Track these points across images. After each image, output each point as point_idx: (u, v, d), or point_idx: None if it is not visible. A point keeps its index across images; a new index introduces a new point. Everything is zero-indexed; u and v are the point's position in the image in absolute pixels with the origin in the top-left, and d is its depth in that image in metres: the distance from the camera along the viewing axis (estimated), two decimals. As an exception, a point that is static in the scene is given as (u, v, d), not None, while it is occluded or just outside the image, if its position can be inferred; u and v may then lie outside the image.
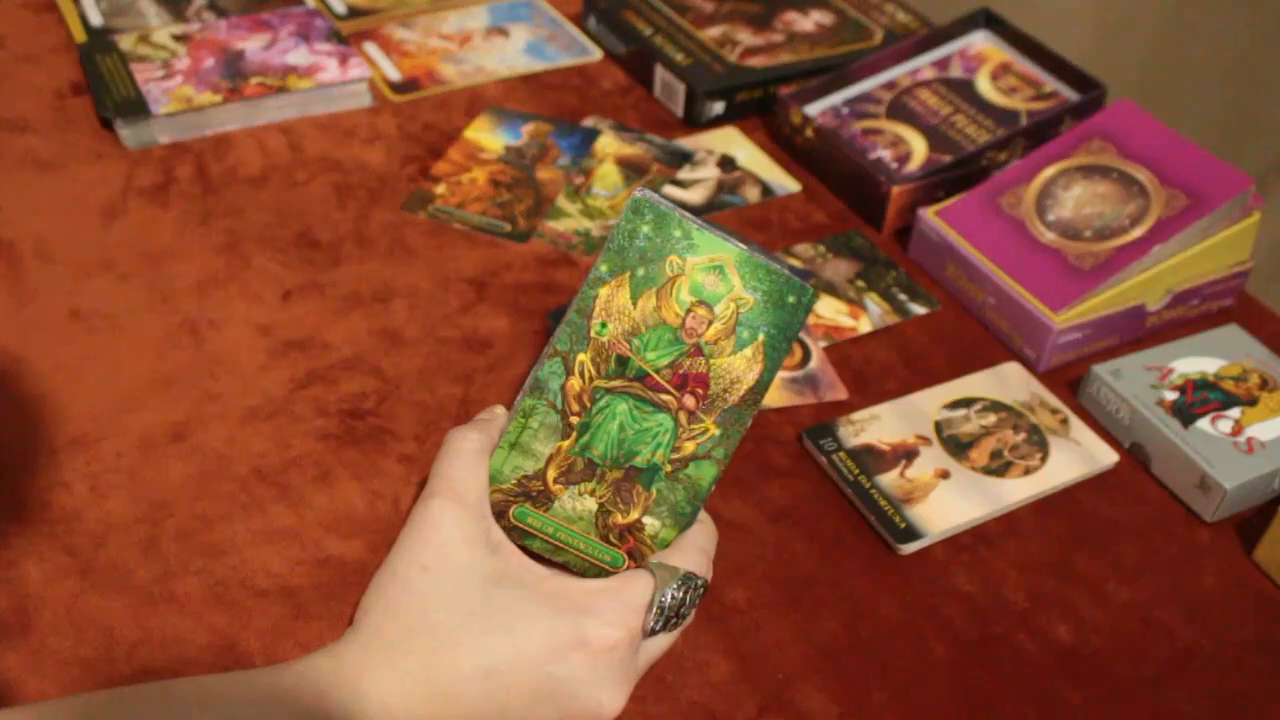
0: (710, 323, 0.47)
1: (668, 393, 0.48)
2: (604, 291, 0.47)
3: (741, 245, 0.47)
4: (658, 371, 0.47)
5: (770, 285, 0.47)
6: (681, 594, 0.46)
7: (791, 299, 0.47)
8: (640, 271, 0.47)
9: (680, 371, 0.48)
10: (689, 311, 0.47)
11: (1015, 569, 0.58)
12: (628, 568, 0.48)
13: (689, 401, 0.48)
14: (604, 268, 0.47)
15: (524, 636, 0.43)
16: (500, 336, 0.68)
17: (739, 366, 0.48)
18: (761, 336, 0.48)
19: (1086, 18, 1.43)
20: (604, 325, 0.47)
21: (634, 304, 0.47)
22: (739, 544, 0.57)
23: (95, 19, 0.90)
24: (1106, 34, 1.44)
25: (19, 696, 0.48)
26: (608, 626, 0.44)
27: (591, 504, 0.48)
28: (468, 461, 0.47)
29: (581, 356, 0.47)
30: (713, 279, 0.47)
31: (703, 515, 0.49)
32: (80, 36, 0.88)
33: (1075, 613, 0.56)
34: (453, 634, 0.43)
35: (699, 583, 0.47)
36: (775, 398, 0.65)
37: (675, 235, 0.47)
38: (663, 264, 0.47)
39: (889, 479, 0.60)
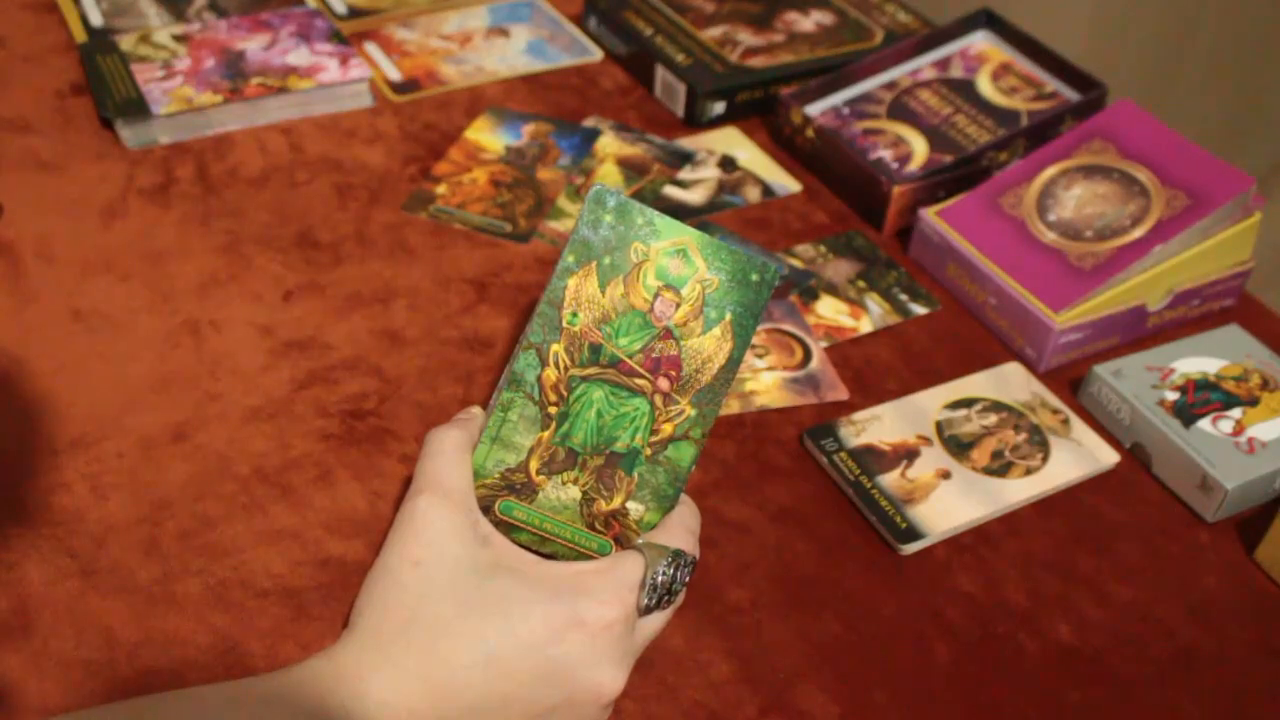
0: (678, 305, 0.48)
1: (642, 377, 0.48)
2: (572, 282, 0.48)
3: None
4: (630, 356, 0.48)
5: (733, 265, 0.48)
6: (672, 571, 0.46)
7: (755, 277, 0.48)
8: (606, 260, 0.48)
9: (653, 355, 0.48)
10: (656, 296, 0.48)
11: (1016, 569, 0.58)
12: (615, 554, 0.48)
13: (663, 384, 0.48)
14: (571, 258, 0.48)
15: (520, 621, 0.43)
16: (501, 337, 0.68)
17: (709, 346, 0.48)
18: (729, 315, 0.48)
19: (1086, 18, 1.43)
20: (575, 315, 0.48)
21: (602, 292, 0.48)
22: (740, 544, 0.57)
23: (96, 19, 0.90)
24: (1106, 34, 1.44)
25: (20, 698, 0.48)
26: (603, 605, 0.44)
27: (575, 493, 0.48)
28: (450, 458, 0.47)
29: (555, 347, 0.48)
30: (677, 263, 0.48)
31: (684, 497, 0.50)
32: (81, 37, 0.88)
33: (1076, 613, 0.56)
34: (449, 626, 0.43)
35: (688, 559, 0.47)
36: (776, 398, 0.65)
37: (638, 222, 0.48)
38: (627, 251, 0.48)
39: (890, 479, 0.60)
